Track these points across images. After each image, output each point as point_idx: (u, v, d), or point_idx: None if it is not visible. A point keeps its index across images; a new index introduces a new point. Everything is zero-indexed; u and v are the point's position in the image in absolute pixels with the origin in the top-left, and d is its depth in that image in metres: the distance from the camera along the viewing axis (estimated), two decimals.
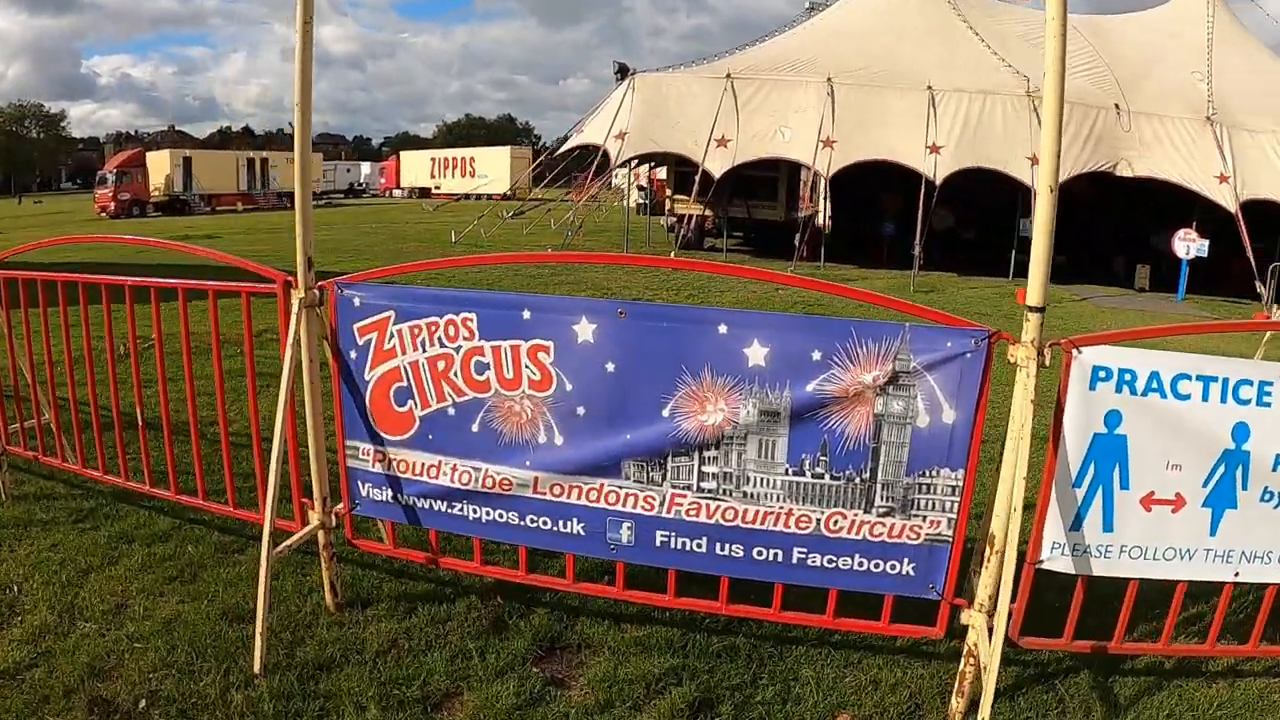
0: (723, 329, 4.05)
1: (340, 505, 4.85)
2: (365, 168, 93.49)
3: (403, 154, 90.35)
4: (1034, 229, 3.65)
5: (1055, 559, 4.01)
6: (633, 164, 31.65)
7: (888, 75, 25.44)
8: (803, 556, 4.20)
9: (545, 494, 4.43)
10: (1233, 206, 22.66)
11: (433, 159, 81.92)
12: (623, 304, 4.22)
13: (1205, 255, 22.96)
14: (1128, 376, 3.80)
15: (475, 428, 4.47)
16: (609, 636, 4.66)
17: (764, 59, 27.63)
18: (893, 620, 4.27)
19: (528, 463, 4.42)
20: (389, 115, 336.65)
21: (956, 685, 4.09)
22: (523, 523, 4.52)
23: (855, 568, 4.18)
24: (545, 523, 4.48)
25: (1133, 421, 3.84)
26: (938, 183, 23.46)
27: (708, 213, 29.35)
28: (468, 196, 53.13)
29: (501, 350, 4.35)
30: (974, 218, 28.32)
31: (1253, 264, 21.74)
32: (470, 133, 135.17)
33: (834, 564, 4.19)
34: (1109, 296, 22.68)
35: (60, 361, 6.19)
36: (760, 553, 4.24)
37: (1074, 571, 4.03)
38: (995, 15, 28.31)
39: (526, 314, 4.29)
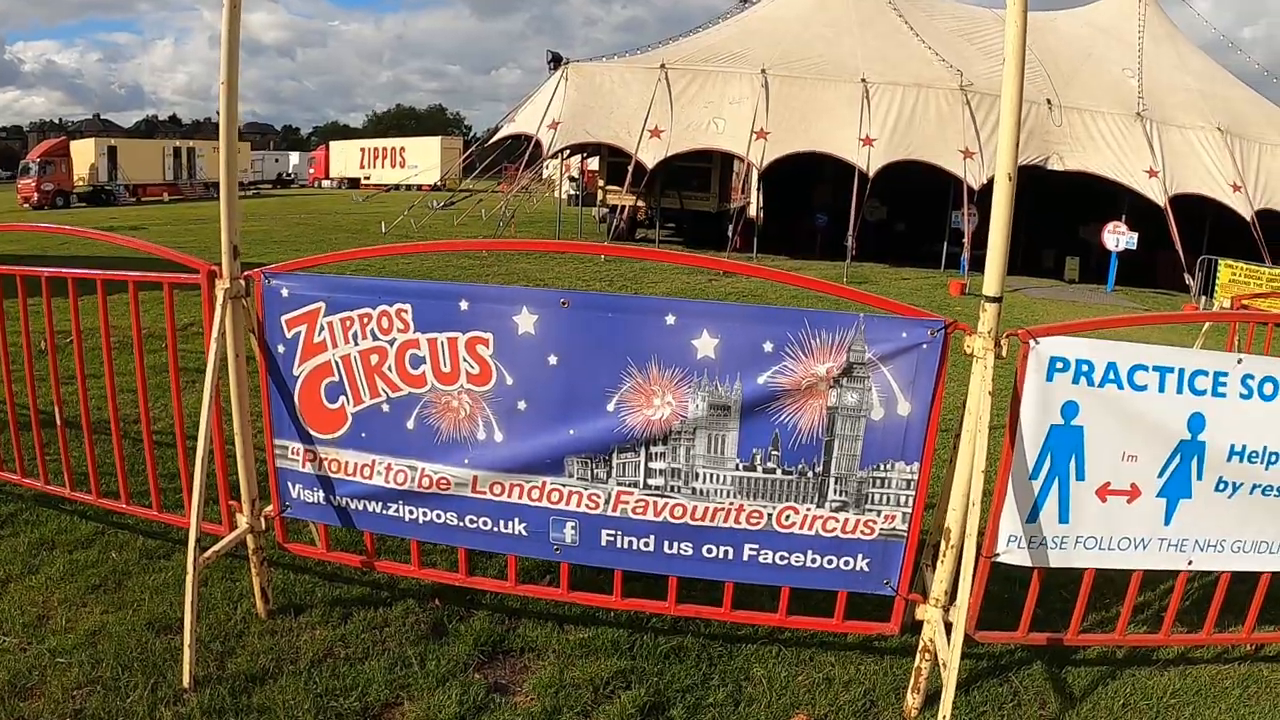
0: (670, 319, 3.91)
1: (270, 507, 4.61)
2: (294, 158, 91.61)
3: (332, 144, 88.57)
4: (993, 217, 3.57)
5: (1011, 552, 3.94)
6: (564, 154, 31.48)
7: (822, 68, 25.61)
8: (754, 553, 4.09)
9: (485, 493, 4.25)
10: (1162, 200, 23.19)
11: (362, 149, 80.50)
12: (565, 293, 4.06)
13: (1134, 247, 23.49)
14: (1085, 367, 3.74)
15: (411, 425, 4.27)
16: (553, 639, 4.51)
17: (698, 50, 27.67)
18: (846, 617, 4.17)
19: (466, 461, 4.23)
20: (318, 105, 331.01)
21: (912, 681, 4.01)
22: (462, 523, 4.33)
23: (808, 564, 4.06)
24: (485, 523, 4.30)
25: (1089, 412, 3.78)
26: (870, 175, 23.66)
27: (640, 204, 29.28)
28: (398, 187, 52.34)
29: (438, 343, 4.15)
30: (905, 210, 28.65)
31: (1181, 257, 22.26)
32: (400, 123, 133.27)
33: (786, 561, 4.07)
34: (1040, 288, 23.09)
35: None
36: (710, 550, 4.11)
37: (1030, 564, 3.97)
38: (929, 10, 28.68)
39: (464, 304, 4.10)
